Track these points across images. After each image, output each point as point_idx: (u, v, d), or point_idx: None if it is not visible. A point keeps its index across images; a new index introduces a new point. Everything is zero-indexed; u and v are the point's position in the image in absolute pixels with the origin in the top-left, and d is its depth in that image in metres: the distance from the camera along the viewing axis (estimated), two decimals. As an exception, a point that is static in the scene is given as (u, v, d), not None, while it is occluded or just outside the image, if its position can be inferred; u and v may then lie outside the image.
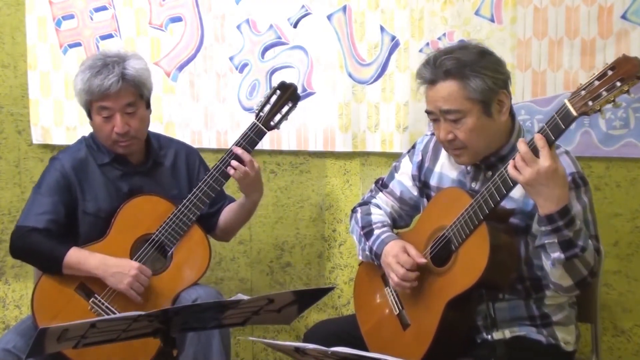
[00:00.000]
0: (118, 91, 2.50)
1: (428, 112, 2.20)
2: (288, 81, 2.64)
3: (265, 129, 2.58)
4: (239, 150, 2.54)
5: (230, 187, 2.79)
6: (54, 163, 2.64)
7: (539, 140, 1.91)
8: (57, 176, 2.59)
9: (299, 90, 2.92)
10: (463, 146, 2.15)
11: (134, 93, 2.55)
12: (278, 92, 2.61)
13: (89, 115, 2.59)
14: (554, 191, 1.92)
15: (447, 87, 2.11)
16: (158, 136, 2.76)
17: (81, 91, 2.54)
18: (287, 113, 2.62)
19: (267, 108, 2.60)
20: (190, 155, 2.76)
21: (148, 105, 2.63)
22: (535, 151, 1.92)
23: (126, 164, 2.64)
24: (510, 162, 1.97)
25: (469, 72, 2.09)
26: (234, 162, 2.54)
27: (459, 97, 2.10)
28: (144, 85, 2.58)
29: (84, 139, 2.70)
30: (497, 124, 2.15)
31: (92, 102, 2.53)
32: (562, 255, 1.98)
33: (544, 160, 1.90)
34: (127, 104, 2.53)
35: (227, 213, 2.74)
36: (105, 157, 2.62)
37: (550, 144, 1.92)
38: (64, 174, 2.59)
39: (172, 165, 2.71)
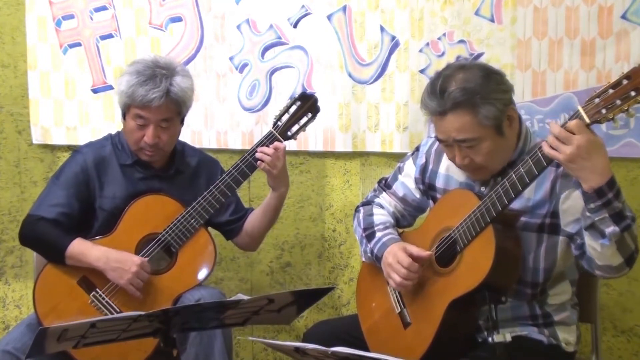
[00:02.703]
0: (159, 106, 2.51)
1: (440, 140, 2.16)
2: (309, 92, 2.65)
3: (281, 139, 2.59)
4: (262, 148, 2.56)
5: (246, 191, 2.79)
6: (76, 156, 2.67)
7: (571, 122, 1.86)
8: (77, 170, 2.62)
9: (299, 90, 2.92)
10: (480, 167, 2.14)
11: (174, 110, 2.56)
12: (298, 102, 2.61)
13: (124, 116, 2.60)
14: (597, 162, 1.87)
15: (459, 118, 2.07)
16: (183, 144, 2.78)
17: (123, 93, 2.54)
18: (306, 124, 2.63)
19: (285, 118, 2.60)
20: (211, 167, 2.78)
21: (182, 121, 2.65)
22: (571, 130, 1.86)
23: (148, 168, 2.65)
24: (544, 143, 1.92)
25: (478, 101, 2.05)
26: (259, 154, 2.55)
27: (473, 126, 2.07)
28: (185, 104, 2.60)
29: (110, 136, 2.72)
30: (509, 138, 2.13)
31: (131, 107, 2.54)
32: (617, 228, 1.92)
33: (581, 135, 1.85)
34: (163, 119, 2.55)
35: (253, 216, 2.75)
36: (128, 159, 2.64)
37: None
38: (84, 169, 2.62)
39: (192, 174, 2.72)
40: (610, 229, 1.93)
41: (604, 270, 2.03)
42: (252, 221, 2.74)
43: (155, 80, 2.50)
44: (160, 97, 2.49)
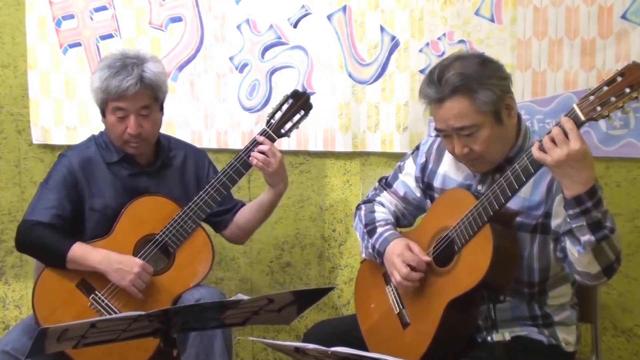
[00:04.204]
0: (135, 93, 2.52)
1: (438, 130, 2.17)
2: (301, 90, 2.65)
3: (275, 136, 2.59)
4: (260, 139, 2.57)
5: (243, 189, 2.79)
6: (62, 159, 2.67)
7: (567, 123, 1.86)
8: (64, 172, 2.62)
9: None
10: (479, 157, 2.14)
11: (150, 96, 2.57)
12: (290, 100, 2.61)
13: (103, 113, 2.61)
14: (581, 173, 1.88)
15: (457, 105, 2.08)
16: (169, 138, 2.78)
17: (98, 89, 2.55)
18: (299, 121, 2.63)
19: (278, 115, 2.61)
20: (199, 158, 2.78)
21: (161, 108, 2.66)
22: (566, 133, 1.87)
23: (135, 163, 2.66)
24: (536, 143, 1.92)
25: (476, 86, 2.06)
26: (254, 152, 2.55)
27: (471, 112, 2.07)
28: (160, 89, 2.60)
29: (93, 137, 2.72)
30: (508, 128, 2.13)
31: (108, 101, 2.55)
32: (593, 238, 1.93)
33: (575, 143, 1.85)
34: (142, 107, 2.55)
35: (247, 210, 2.75)
36: (114, 156, 2.64)
37: None
38: (71, 171, 2.61)
39: (180, 167, 2.72)
40: (586, 237, 1.95)
41: (582, 276, 2.05)
42: (245, 214, 2.74)
43: (127, 69, 2.52)
44: (135, 83, 2.51)
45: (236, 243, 2.88)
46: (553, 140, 1.88)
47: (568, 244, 2.02)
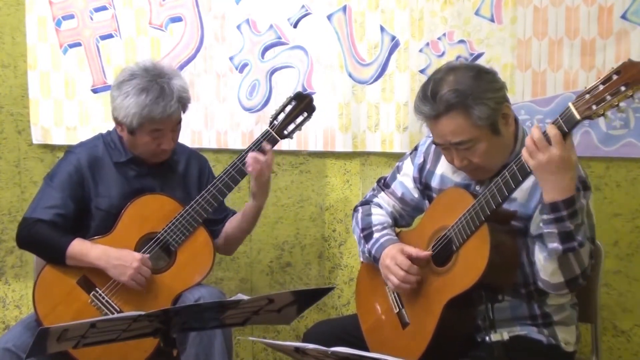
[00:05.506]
0: (174, 113, 2.54)
1: (436, 144, 2.17)
2: (305, 92, 2.66)
3: (278, 137, 2.60)
4: (267, 147, 2.58)
5: (235, 197, 2.79)
6: (69, 156, 2.66)
7: (552, 130, 1.88)
8: (71, 170, 2.61)
9: (299, 90, 2.93)
10: (479, 167, 2.14)
11: (181, 112, 2.60)
12: (294, 102, 2.62)
13: (132, 132, 2.55)
14: (561, 180, 1.90)
15: (453, 121, 2.07)
16: None
17: (136, 115, 2.50)
18: (302, 123, 2.64)
19: (281, 117, 2.61)
20: (201, 163, 2.79)
21: None
22: (549, 139, 1.89)
23: (142, 165, 2.66)
24: (525, 147, 1.94)
25: (471, 102, 2.05)
26: (250, 161, 2.56)
27: (467, 127, 2.07)
28: (189, 102, 2.63)
29: (101, 135, 2.72)
30: (505, 137, 2.13)
31: (146, 124, 2.53)
32: (560, 247, 1.95)
33: (556, 149, 1.87)
34: (177, 123, 2.59)
35: (231, 222, 2.75)
36: (122, 157, 2.64)
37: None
38: (78, 169, 2.61)
39: (184, 170, 2.73)
40: (554, 245, 1.96)
41: (544, 285, 2.07)
42: (232, 224, 2.74)
43: (164, 92, 2.51)
44: (177, 107, 2.53)
45: (225, 254, 2.87)
46: (536, 145, 1.90)
47: (537, 248, 2.04)
